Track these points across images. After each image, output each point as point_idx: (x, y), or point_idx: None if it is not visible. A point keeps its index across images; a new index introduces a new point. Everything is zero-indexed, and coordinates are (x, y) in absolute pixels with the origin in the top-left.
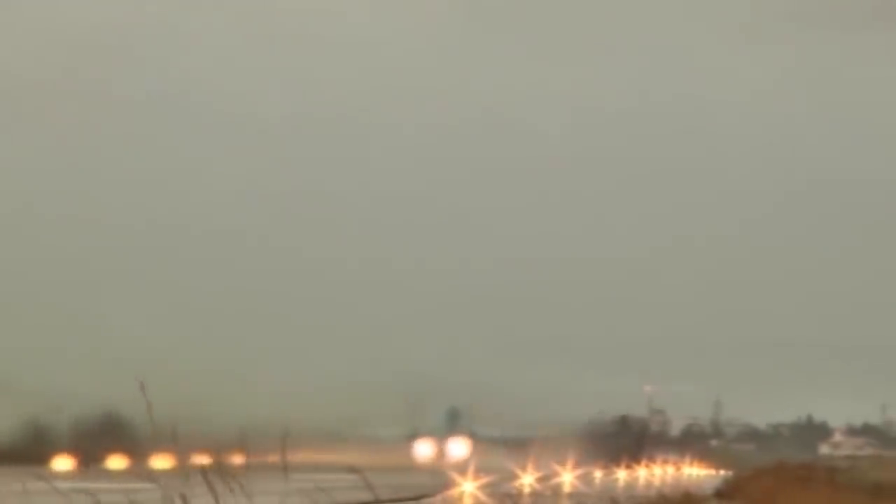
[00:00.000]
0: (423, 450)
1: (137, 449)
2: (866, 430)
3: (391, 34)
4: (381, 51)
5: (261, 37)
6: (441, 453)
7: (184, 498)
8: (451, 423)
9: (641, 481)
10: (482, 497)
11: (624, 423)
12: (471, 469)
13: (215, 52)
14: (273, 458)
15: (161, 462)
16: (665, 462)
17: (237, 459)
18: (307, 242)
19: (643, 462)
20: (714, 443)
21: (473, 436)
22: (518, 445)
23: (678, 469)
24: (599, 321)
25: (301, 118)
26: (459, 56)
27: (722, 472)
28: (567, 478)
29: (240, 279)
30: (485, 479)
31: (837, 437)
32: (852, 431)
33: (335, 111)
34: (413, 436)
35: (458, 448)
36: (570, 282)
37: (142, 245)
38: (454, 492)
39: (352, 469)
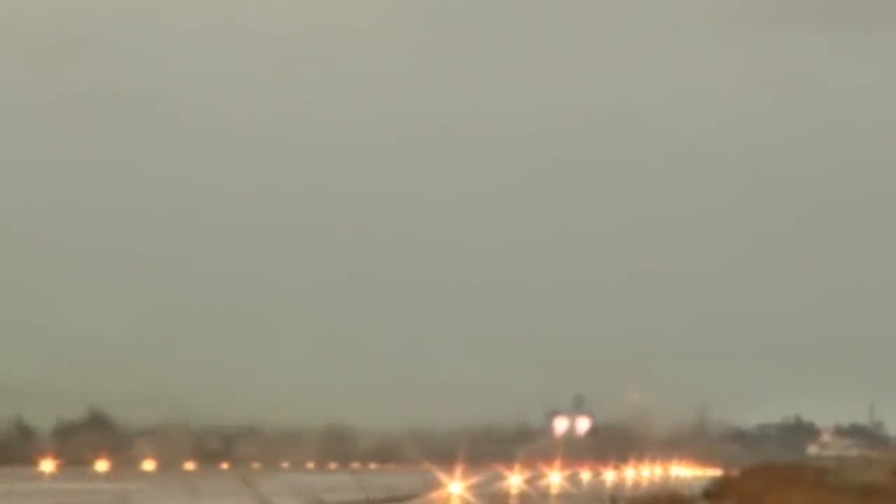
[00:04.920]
0: (560, 424)
1: (123, 449)
2: (854, 431)
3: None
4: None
5: (231, 36)
6: (572, 428)
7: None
8: (578, 406)
9: (629, 482)
10: (469, 498)
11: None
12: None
13: (177, 48)
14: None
15: (148, 463)
16: (652, 462)
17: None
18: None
19: (631, 462)
20: (701, 444)
21: (593, 416)
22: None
23: (665, 469)
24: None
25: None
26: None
27: (709, 473)
28: (555, 478)
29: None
30: (472, 480)
31: (825, 438)
32: (840, 432)
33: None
34: (553, 414)
35: (583, 424)
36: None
37: (138, 245)
38: (441, 492)
39: (345, 469)
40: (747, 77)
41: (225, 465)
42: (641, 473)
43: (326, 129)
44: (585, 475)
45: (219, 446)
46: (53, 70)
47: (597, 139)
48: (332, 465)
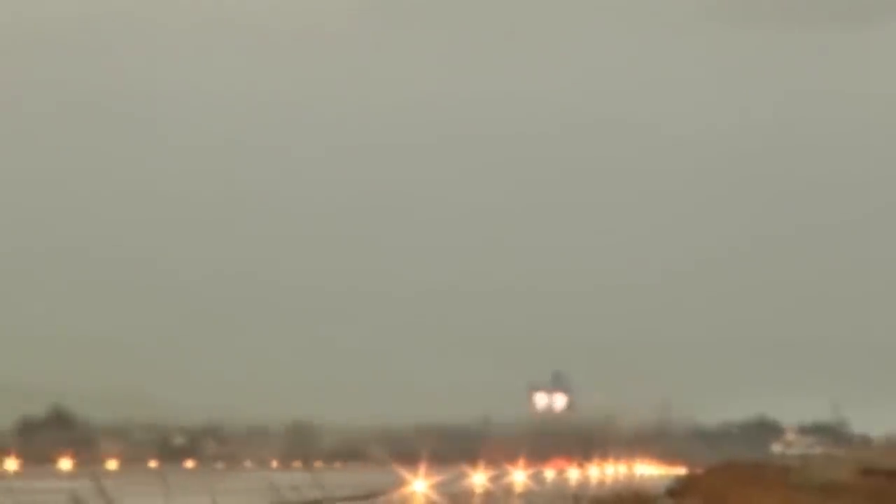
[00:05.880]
0: (540, 399)
1: (86, 446)
2: (818, 429)
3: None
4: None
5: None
6: (550, 403)
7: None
8: (556, 382)
9: (593, 480)
10: (433, 496)
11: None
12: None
13: (160, 46)
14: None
15: (111, 462)
16: (617, 461)
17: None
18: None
19: (595, 460)
20: (665, 442)
21: (569, 392)
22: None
23: (630, 468)
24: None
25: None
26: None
27: (673, 471)
28: (519, 476)
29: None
30: (437, 478)
31: (789, 436)
32: (804, 430)
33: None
34: (534, 389)
35: (560, 400)
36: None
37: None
38: (405, 490)
39: (305, 468)
40: (739, 78)
41: (189, 464)
42: (606, 472)
43: (318, 136)
44: (549, 473)
45: (183, 444)
46: (50, 73)
47: (589, 145)
48: (296, 464)
